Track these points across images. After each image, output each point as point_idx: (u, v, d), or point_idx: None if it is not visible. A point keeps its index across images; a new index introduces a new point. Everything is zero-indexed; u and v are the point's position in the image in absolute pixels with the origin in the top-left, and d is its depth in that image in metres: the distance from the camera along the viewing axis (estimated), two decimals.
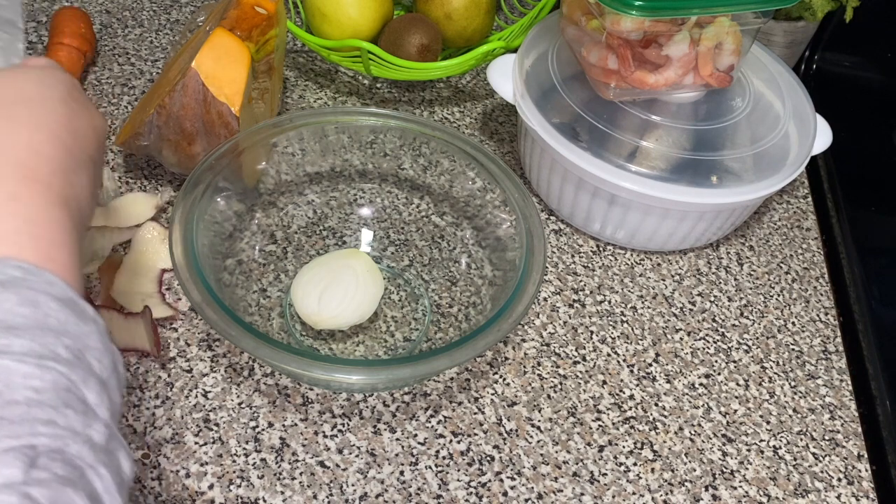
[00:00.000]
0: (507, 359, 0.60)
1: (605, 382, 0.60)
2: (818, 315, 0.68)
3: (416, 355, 0.58)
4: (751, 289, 0.69)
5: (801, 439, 0.59)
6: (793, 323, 0.67)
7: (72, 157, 0.39)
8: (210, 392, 0.54)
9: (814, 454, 0.58)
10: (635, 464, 0.55)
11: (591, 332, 0.63)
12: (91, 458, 0.30)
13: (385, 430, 0.54)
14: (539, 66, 0.69)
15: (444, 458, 0.53)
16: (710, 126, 0.66)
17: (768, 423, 0.59)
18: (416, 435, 0.54)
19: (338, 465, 0.52)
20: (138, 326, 0.55)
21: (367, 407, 0.55)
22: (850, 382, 0.63)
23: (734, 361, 0.63)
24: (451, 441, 0.54)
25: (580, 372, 0.60)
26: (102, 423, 0.31)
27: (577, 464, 0.55)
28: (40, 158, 0.37)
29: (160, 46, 0.80)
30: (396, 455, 0.53)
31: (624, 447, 0.56)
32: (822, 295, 0.70)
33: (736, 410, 0.60)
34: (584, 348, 0.61)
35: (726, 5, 0.60)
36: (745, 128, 0.67)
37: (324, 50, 0.75)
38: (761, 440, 0.58)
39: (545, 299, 0.64)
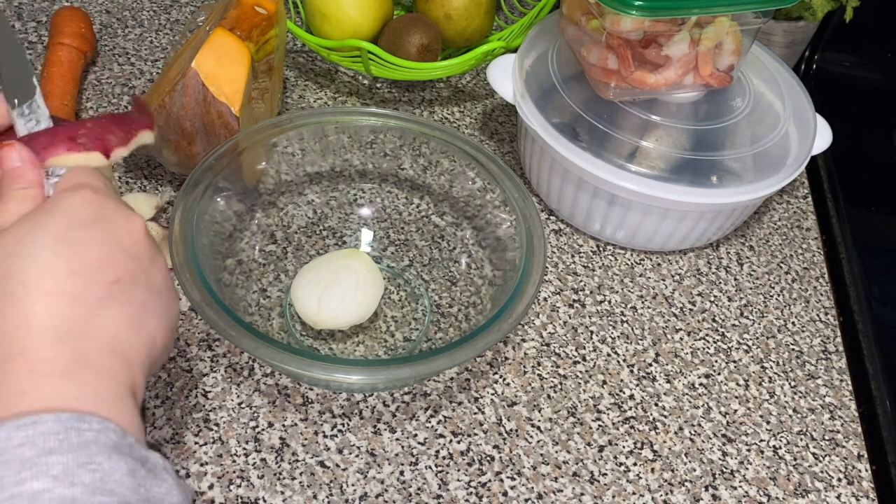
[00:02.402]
0: (507, 359, 0.60)
1: (605, 382, 0.60)
2: (818, 315, 0.68)
3: (416, 355, 0.58)
4: (751, 289, 0.69)
5: (801, 439, 0.59)
6: (793, 323, 0.67)
7: (83, 302, 0.36)
8: (210, 392, 0.54)
9: (814, 454, 0.58)
10: (635, 464, 0.55)
11: (591, 332, 0.63)
12: None
13: (385, 430, 0.54)
14: (539, 66, 0.69)
15: (444, 458, 0.53)
16: (710, 126, 0.66)
17: (768, 423, 0.59)
18: (416, 435, 0.54)
19: (338, 465, 0.52)
20: None
21: (367, 407, 0.55)
22: (850, 382, 0.63)
23: (734, 361, 0.63)
24: (451, 441, 0.54)
25: (580, 372, 0.60)
26: None
27: (577, 464, 0.55)
28: (43, 332, 0.34)
29: (160, 46, 0.80)
30: (396, 455, 0.53)
31: (624, 447, 0.56)
32: (822, 295, 0.70)
33: (736, 410, 0.60)
34: (584, 348, 0.61)
35: (726, 5, 0.60)
36: (745, 128, 0.67)
37: (324, 50, 0.75)
38: (761, 440, 0.58)
39: (545, 299, 0.64)
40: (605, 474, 0.54)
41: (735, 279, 0.69)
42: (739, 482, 0.56)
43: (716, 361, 0.63)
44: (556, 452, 0.55)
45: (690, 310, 0.66)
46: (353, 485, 0.51)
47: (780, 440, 0.58)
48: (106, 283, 0.36)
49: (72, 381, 0.34)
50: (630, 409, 0.58)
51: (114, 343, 0.36)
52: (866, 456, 0.59)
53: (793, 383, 0.62)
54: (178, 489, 0.34)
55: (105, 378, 0.35)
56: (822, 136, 0.69)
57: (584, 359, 0.61)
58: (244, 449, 0.52)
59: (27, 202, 0.39)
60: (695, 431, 0.58)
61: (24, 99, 0.42)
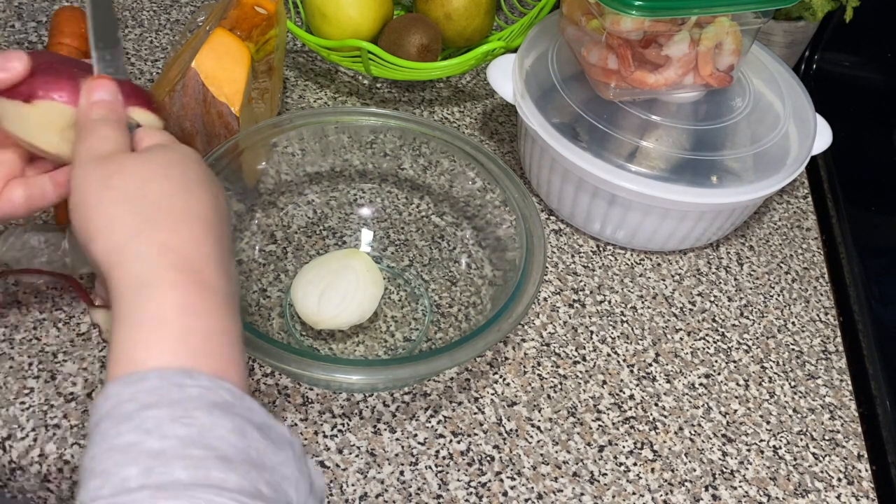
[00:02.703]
0: (507, 359, 0.60)
1: (605, 382, 0.60)
2: (818, 315, 0.68)
3: (416, 355, 0.58)
4: (751, 289, 0.69)
5: (801, 439, 0.59)
6: (793, 323, 0.67)
7: (223, 246, 0.38)
8: None
9: (814, 454, 0.58)
10: (635, 464, 0.55)
11: (591, 332, 0.63)
12: None
13: (385, 430, 0.54)
14: (539, 66, 0.69)
15: (444, 458, 0.53)
16: (710, 126, 0.66)
17: (768, 423, 0.59)
18: (416, 435, 0.54)
19: (338, 465, 0.52)
20: None
21: (367, 407, 0.55)
22: (850, 382, 0.63)
23: (734, 361, 0.63)
24: (451, 441, 0.54)
25: (580, 372, 0.60)
26: None
27: (577, 464, 0.55)
28: (207, 259, 0.36)
29: (160, 46, 0.80)
30: (396, 455, 0.53)
31: (624, 447, 0.56)
32: (822, 295, 0.70)
33: (736, 410, 0.60)
34: (584, 348, 0.61)
35: (726, 5, 0.60)
36: (745, 128, 0.67)
37: (324, 50, 0.75)
38: (761, 440, 0.58)
39: (545, 299, 0.64)
40: (605, 474, 0.54)
41: (735, 279, 0.69)
42: (739, 482, 0.56)
43: (716, 361, 0.63)
44: (556, 452, 0.55)
45: (690, 310, 0.66)
46: (353, 485, 0.51)
47: (780, 440, 0.58)
48: (225, 234, 0.39)
49: (232, 313, 0.35)
50: (630, 409, 0.58)
51: (234, 293, 0.38)
52: (866, 456, 0.59)
53: (793, 383, 0.62)
54: (299, 467, 0.34)
55: (238, 332, 0.36)
56: (822, 136, 0.69)
57: (584, 359, 0.61)
58: None
59: (124, 133, 0.41)
60: (695, 431, 0.58)
61: (108, 45, 0.44)
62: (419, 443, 0.54)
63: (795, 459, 0.58)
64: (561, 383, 0.59)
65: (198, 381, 0.32)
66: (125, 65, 0.45)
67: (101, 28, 0.44)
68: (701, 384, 0.61)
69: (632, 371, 0.61)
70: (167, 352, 0.33)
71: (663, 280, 0.68)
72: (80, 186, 0.37)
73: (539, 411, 0.57)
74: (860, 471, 0.58)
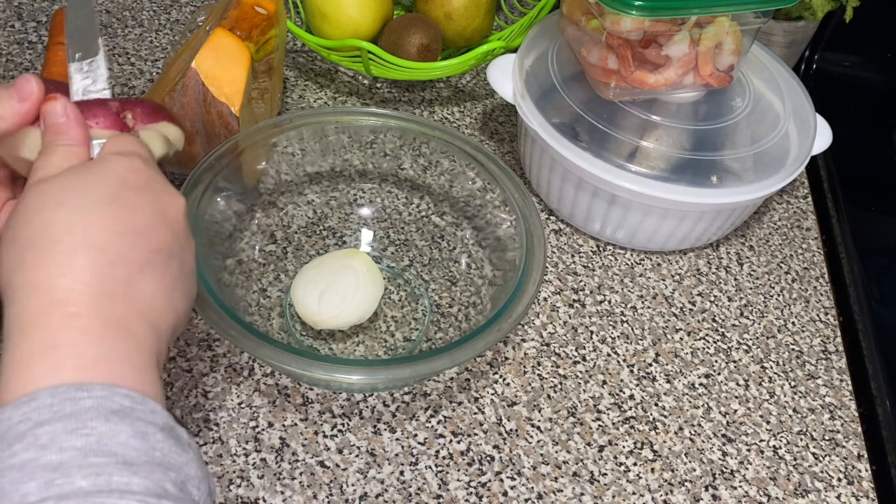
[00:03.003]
0: (507, 359, 0.60)
1: (605, 382, 0.60)
2: (818, 315, 0.68)
3: (416, 355, 0.58)
4: (751, 289, 0.69)
5: (801, 439, 0.59)
6: (793, 323, 0.67)
7: (125, 264, 0.36)
8: (210, 392, 0.54)
9: (814, 454, 0.58)
10: (635, 464, 0.55)
11: (591, 332, 0.63)
12: None
13: (385, 430, 0.54)
14: (539, 66, 0.69)
15: (444, 458, 0.53)
16: (710, 126, 0.66)
17: (768, 423, 0.59)
18: (416, 435, 0.54)
19: (338, 465, 0.52)
20: None
21: (367, 407, 0.55)
22: (850, 382, 0.63)
23: (734, 361, 0.63)
24: (451, 441, 0.54)
25: (580, 372, 0.60)
26: None
27: (577, 464, 0.55)
28: (83, 289, 0.34)
29: (160, 46, 0.80)
30: (396, 455, 0.53)
31: (624, 447, 0.56)
32: (822, 295, 0.70)
33: (736, 410, 0.60)
34: (584, 348, 0.61)
35: (726, 5, 0.60)
36: (745, 128, 0.67)
37: (324, 50, 0.75)
38: (761, 440, 0.58)
39: (545, 299, 0.64)
40: (605, 474, 0.54)
41: (735, 279, 0.69)
42: (739, 482, 0.56)
43: (716, 361, 0.63)
44: (556, 452, 0.55)
45: (690, 310, 0.66)
46: (353, 485, 0.51)
47: (780, 440, 0.58)
48: (148, 249, 0.37)
49: (105, 341, 0.34)
50: (630, 409, 0.58)
51: (148, 310, 0.36)
52: (866, 456, 0.59)
53: (793, 383, 0.62)
54: (200, 467, 0.33)
55: (136, 344, 0.35)
56: (822, 136, 0.69)
57: (584, 359, 0.61)
58: (244, 449, 0.52)
59: (71, 157, 0.39)
60: (695, 431, 0.58)
61: (85, 55, 0.42)
62: (419, 443, 0.54)
63: (795, 459, 0.58)
64: (561, 383, 0.59)
65: (91, 392, 0.32)
66: (108, 72, 0.43)
67: (80, 38, 0.42)
68: (701, 384, 0.61)
69: (632, 371, 0.61)
70: (55, 371, 0.32)
71: (663, 280, 0.68)
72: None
73: (539, 411, 0.57)
74: (860, 471, 0.58)
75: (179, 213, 0.40)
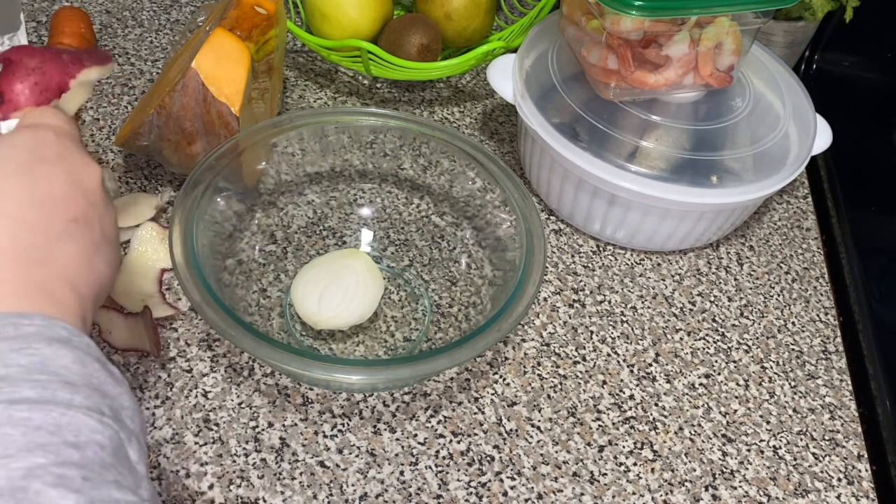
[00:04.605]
0: (507, 359, 0.60)
1: (605, 382, 0.60)
2: (818, 315, 0.68)
3: (416, 355, 0.58)
4: (751, 289, 0.69)
5: (801, 439, 0.59)
6: (793, 323, 0.67)
7: (43, 232, 0.36)
8: (210, 392, 0.54)
9: (814, 454, 0.58)
10: (635, 464, 0.55)
11: (591, 332, 0.63)
12: None
13: (385, 430, 0.54)
14: (539, 66, 0.69)
15: (444, 458, 0.53)
16: (710, 126, 0.66)
17: (768, 423, 0.59)
18: (416, 435, 0.54)
19: (338, 465, 0.52)
20: (138, 326, 0.55)
21: (367, 407, 0.55)
22: (850, 382, 0.63)
23: (734, 361, 0.63)
24: (451, 441, 0.54)
25: (580, 372, 0.60)
26: (146, 481, 0.32)
27: (577, 464, 0.55)
28: (2, 255, 0.35)
29: (160, 46, 0.80)
30: (396, 455, 0.53)
31: (624, 447, 0.56)
32: (822, 295, 0.70)
33: (736, 410, 0.60)
34: (584, 348, 0.61)
35: (726, 5, 0.60)
36: (745, 128, 0.67)
37: (324, 50, 0.75)
38: (761, 440, 0.58)
39: (545, 299, 0.64)
40: (605, 474, 0.54)
41: (735, 279, 0.69)
42: (739, 482, 0.56)
43: (716, 361, 0.63)
44: (556, 452, 0.55)
45: (690, 310, 0.66)
46: (353, 485, 0.51)
47: (780, 440, 0.58)
48: (66, 219, 0.38)
49: (27, 303, 0.34)
50: (630, 409, 0.58)
51: (69, 275, 0.37)
52: (866, 456, 0.59)
53: (793, 383, 0.62)
54: (133, 402, 0.34)
55: (59, 306, 0.35)
56: (822, 136, 0.69)
57: (584, 359, 0.61)
58: (244, 449, 0.52)
59: None
60: (695, 431, 0.58)
61: (5, 30, 0.43)
62: (419, 443, 0.54)
63: (795, 459, 0.58)
64: (561, 383, 0.59)
65: (32, 320, 0.33)
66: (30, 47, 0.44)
67: (1, 11, 0.44)
68: (701, 384, 0.61)
69: (632, 371, 0.61)
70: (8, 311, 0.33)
71: (663, 280, 0.68)
72: None
73: (539, 411, 0.57)
74: (860, 471, 0.58)
75: (95, 182, 0.40)
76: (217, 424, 0.53)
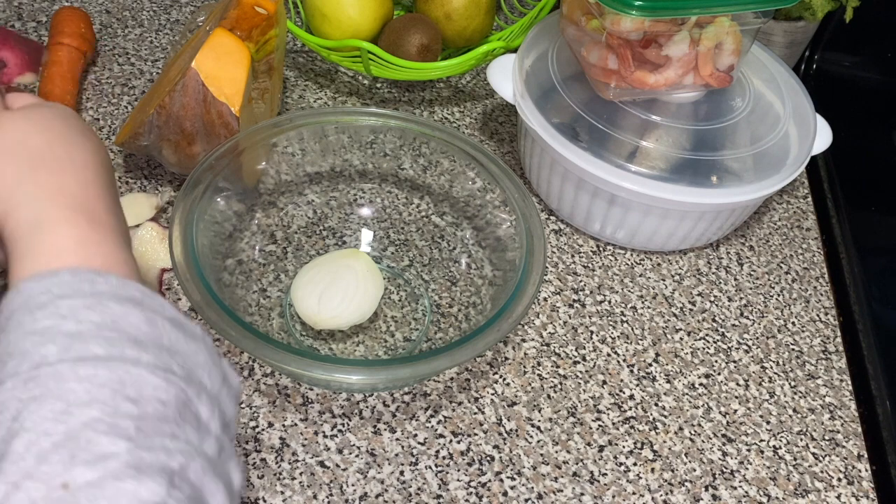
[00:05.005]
0: (507, 359, 0.60)
1: (605, 382, 0.60)
2: (818, 315, 0.68)
3: (416, 355, 0.58)
4: (751, 289, 0.69)
5: (801, 439, 0.59)
6: (793, 323, 0.67)
7: (111, 192, 0.39)
8: None
9: (814, 454, 0.58)
10: (635, 464, 0.55)
11: (591, 332, 0.63)
12: (208, 475, 0.31)
13: (385, 430, 0.54)
14: (539, 66, 0.69)
15: (444, 458, 0.53)
16: (710, 126, 0.66)
17: (768, 423, 0.59)
18: (416, 435, 0.54)
19: (338, 465, 0.52)
20: None
21: (367, 407, 0.55)
22: (850, 382, 0.63)
23: (734, 361, 0.63)
24: (451, 441, 0.54)
25: (580, 372, 0.60)
26: (214, 438, 0.33)
27: (577, 464, 0.55)
28: (97, 199, 0.38)
29: (160, 46, 0.80)
30: (396, 455, 0.53)
31: (624, 447, 0.56)
32: (822, 295, 0.70)
33: (736, 410, 0.60)
34: (584, 348, 0.61)
35: (726, 5, 0.60)
36: (745, 128, 0.67)
37: (324, 50, 0.75)
38: (761, 440, 0.58)
39: (545, 299, 0.64)
40: (605, 474, 0.54)
41: (735, 279, 0.69)
42: (739, 482, 0.56)
43: (716, 361, 0.63)
44: (556, 452, 0.55)
45: (690, 310, 0.66)
46: (353, 485, 0.51)
47: (780, 440, 0.58)
48: (111, 182, 0.40)
49: (126, 248, 0.37)
50: (630, 409, 0.58)
51: (118, 229, 0.39)
52: (866, 456, 0.59)
53: (793, 383, 0.62)
54: (211, 356, 0.35)
55: (132, 256, 0.38)
56: (822, 136, 0.69)
57: (584, 359, 0.61)
58: (244, 449, 0.52)
59: None
60: (695, 431, 0.58)
61: None
62: (419, 443, 0.54)
63: (795, 459, 0.58)
64: (561, 383, 0.59)
65: (107, 279, 0.34)
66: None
67: None
68: (701, 384, 0.61)
69: (632, 371, 0.61)
70: (75, 256, 0.35)
71: (663, 280, 0.68)
72: None
73: (539, 411, 0.57)
74: (860, 471, 0.58)
75: (106, 158, 0.42)
76: None
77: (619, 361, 0.61)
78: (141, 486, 0.28)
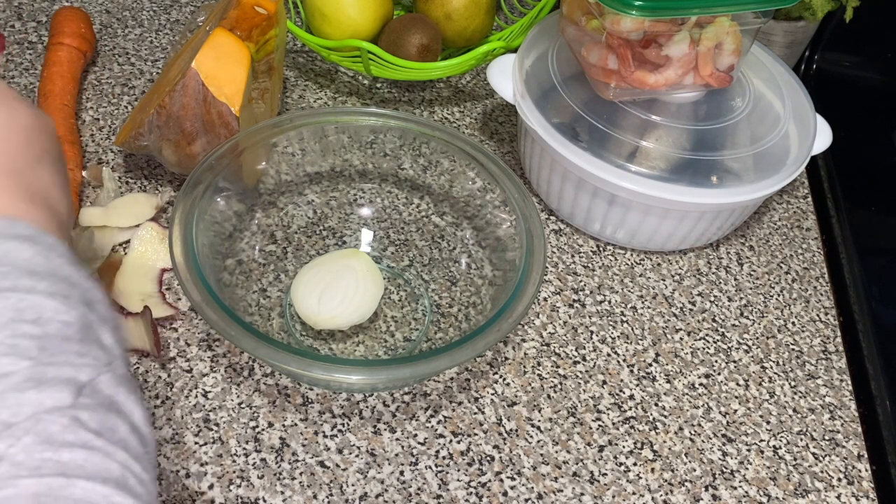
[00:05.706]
0: (507, 359, 0.60)
1: (605, 382, 0.60)
2: (818, 315, 0.68)
3: (416, 355, 0.58)
4: (751, 289, 0.69)
5: (801, 439, 0.59)
6: (793, 323, 0.67)
7: (23, 153, 0.39)
8: (210, 392, 0.54)
9: (814, 454, 0.58)
10: (635, 464, 0.55)
11: (591, 332, 0.63)
12: (122, 390, 0.31)
13: (385, 430, 0.54)
14: (539, 66, 0.69)
15: (444, 458, 0.53)
16: (710, 126, 0.66)
17: (768, 423, 0.59)
18: (416, 435, 0.54)
19: (338, 465, 0.52)
20: (138, 326, 0.55)
21: (367, 407, 0.55)
22: (850, 382, 0.63)
23: (734, 361, 0.63)
24: (451, 441, 0.54)
25: (580, 372, 0.60)
26: (121, 360, 0.33)
27: (577, 464, 0.55)
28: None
29: (160, 46, 0.80)
30: (396, 455, 0.53)
31: (624, 447, 0.56)
32: (822, 295, 0.70)
33: (736, 410, 0.60)
34: (584, 348, 0.61)
35: (726, 5, 0.60)
36: (745, 128, 0.67)
37: (324, 50, 0.75)
38: (761, 440, 0.58)
39: (545, 299, 0.64)
40: (605, 474, 0.54)
41: (735, 279, 0.69)
42: (739, 482, 0.56)
43: (716, 361, 0.63)
44: (556, 452, 0.55)
45: (690, 310, 0.66)
46: (353, 485, 0.51)
47: (780, 440, 0.58)
48: (40, 148, 0.39)
49: (30, 199, 0.36)
50: (630, 409, 0.58)
51: (48, 197, 0.38)
52: (866, 456, 0.59)
53: (793, 383, 0.62)
54: (104, 295, 0.35)
55: (44, 221, 0.37)
56: (822, 136, 0.69)
57: (584, 359, 0.61)
58: (244, 449, 0.52)
59: None
60: (695, 431, 0.58)
61: None
62: (419, 443, 0.54)
63: (795, 459, 0.58)
64: (561, 383, 0.59)
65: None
66: None
67: None
68: (701, 384, 0.61)
69: (632, 371, 0.61)
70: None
71: (663, 280, 0.68)
72: None
73: (539, 411, 0.57)
74: (860, 471, 0.58)
75: (54, 127, 0.42)
76: (217, 424, 0.53)
77: (619, 361, 0.61)
78: (43, 395, 0.28)
